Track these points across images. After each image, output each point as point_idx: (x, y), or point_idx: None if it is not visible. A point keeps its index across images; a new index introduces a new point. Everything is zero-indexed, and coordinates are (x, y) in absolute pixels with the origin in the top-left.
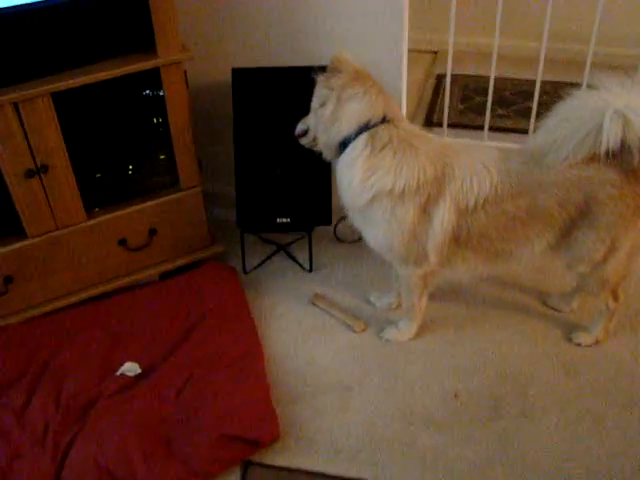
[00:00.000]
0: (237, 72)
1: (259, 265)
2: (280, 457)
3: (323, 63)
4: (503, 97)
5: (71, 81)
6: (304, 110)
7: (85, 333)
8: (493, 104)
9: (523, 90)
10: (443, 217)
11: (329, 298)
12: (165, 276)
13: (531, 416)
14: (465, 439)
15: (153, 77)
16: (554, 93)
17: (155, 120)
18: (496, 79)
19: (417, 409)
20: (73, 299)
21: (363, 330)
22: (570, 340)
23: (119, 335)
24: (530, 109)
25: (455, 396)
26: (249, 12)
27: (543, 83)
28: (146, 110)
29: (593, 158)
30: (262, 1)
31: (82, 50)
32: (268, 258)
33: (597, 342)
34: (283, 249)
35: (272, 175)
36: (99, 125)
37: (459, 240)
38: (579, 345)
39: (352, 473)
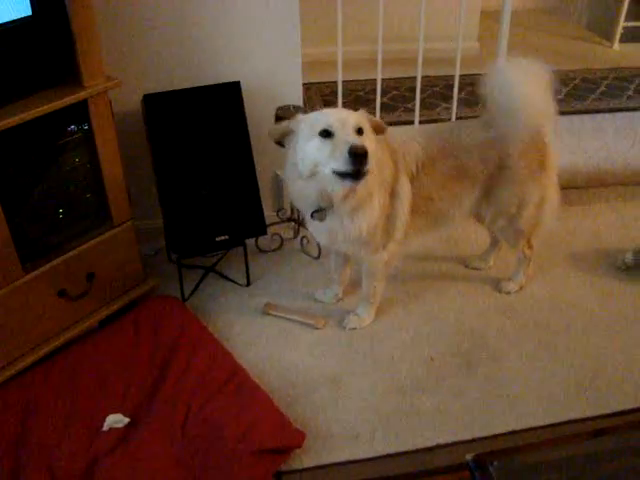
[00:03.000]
0: (148, 97)
1: (194, 291)
2: (307, 459)
3: (229, 80)
4: (359, 97)
5: None
6: (217, 128)
7: (47, 398)
8: (353, 104)
9: (373, 89)
10: (405, 190)
11: (280, 305)
12: (104, 322)
13: (499, 359)
14: (457, 392)
15: (78, 110)
16: (399, 87)
17: (83, 156)
18: (346, 82)
19: (404, 380)
20: (19, 366)
21: (324, 325)
22: (500, 290)
23: (87, 391)
24: (386, 104)
25: (431, 359)
26: (151, 38)
27: (386, 80)
28: (72, 146)
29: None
30: (162, 26)
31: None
32: (200, 282)
33: (521, 287)
34: (212, 270)
35: (199, 196)
36: (24, 169)
37: (413, 207)
38: (508, 293)
39: (378, 451)
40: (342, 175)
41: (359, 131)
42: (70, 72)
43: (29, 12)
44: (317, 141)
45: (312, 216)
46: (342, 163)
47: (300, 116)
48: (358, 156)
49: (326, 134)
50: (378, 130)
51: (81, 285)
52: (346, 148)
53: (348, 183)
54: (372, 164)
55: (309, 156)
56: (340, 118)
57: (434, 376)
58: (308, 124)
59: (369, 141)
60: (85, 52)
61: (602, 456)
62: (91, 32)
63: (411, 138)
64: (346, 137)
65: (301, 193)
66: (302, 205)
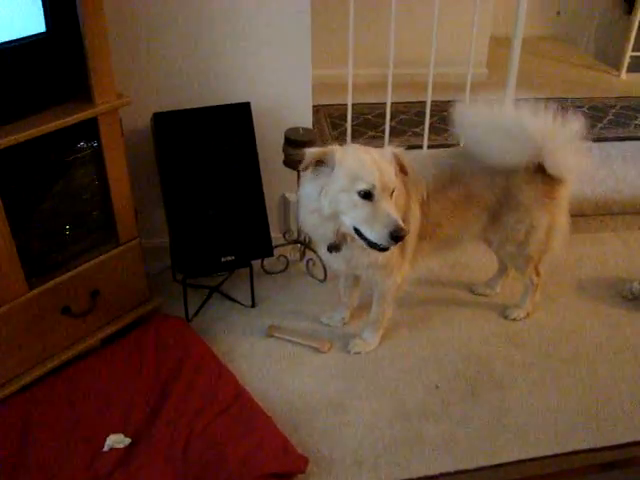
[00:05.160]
0: (158, 116)
1: (198, 311)
2: None
3: (239, 100)
4: (367, 120)
5: (5, 140)
6: (226, 148)
7: (49, 416)
8: (362, 127)
9: (382, 112)
10: (415, 216)
11: (285, 327)
12: (108, 340)
13: (504, 386)
14: (462, 420)
15: (88, 127)
16: (407, 112)
17: (91, 173)
18: (355, 105)
19: (409, 406)
20: (21, 383)
21: (329, 349)
22: (506, 317)
23: (88, 410)
24: (395, 128)
25: (436, 387)
26: (162, 57)
27: (395, 104)
28: (81, 163)
29: None
30: (174, 45)
31: (9, 105)
32: (205, 303)
33: (528, 315)
34: (217, 291)
35: (206, 216)
36: (31, 184)
37: (421, 232)
38: (514, 320)
39: (384, 479)
40: (369, 243)
41: (392, 192)
42: (81, 89)
43: (43, 29)
44: (354, 198)
45: (329, 249)
46: (380, 238)
47: (338, 150)
48: (399, 239)
49: (366, 195)
50: (402, 171)
51: (85, 302)
52: (390, 227)
53: (375, 252)
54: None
55: (340, 206)
56: (382, 180)
57: (439, 403)
58: (346, 170)
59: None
60: (97, 69)
61: None
62: (103, 50)
63: (422, 165)
64: (389, 211)
65: (315, 227)
66: (315, 237)
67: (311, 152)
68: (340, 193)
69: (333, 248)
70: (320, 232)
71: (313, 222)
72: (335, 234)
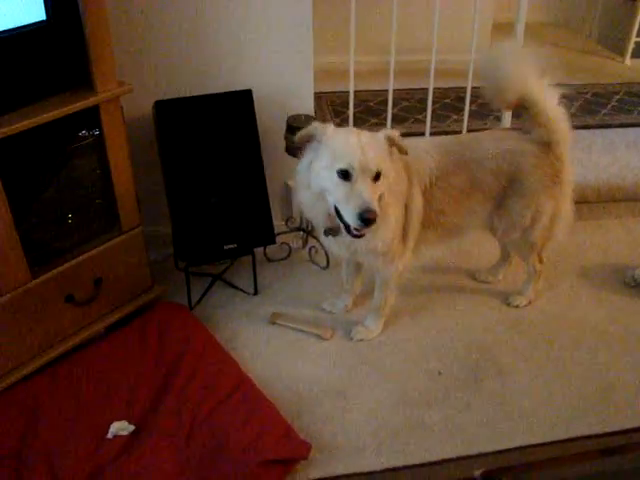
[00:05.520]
0: (160, 104)
1: (201, 299)
2: (313, 470)
3: (241, 88)
4: (369, 107)
5: (7, 128)
6: (228, 136)
7: (52, 403)
8: (364, 115)
9: (384, 99)
10: (417, 203)
11: (287, 314)
12: (111, 328)
13: (506, 373)
14: (464, 407)
15: (89, 115)
16: (410, 98)
17: (93, 161)
18: (357, 92)
19: (411, 393)
20: (25, 371)
21: (332, 336)
22: (509, 304)
23: (92, 397)
24: (397, 115)
25: (439, 373)
26: (164, 45)
27: (397, 91)
28: (83, 152)
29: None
30: (175, 32)
31: (10, 93)
32: (207, 290)
33: (530, 302)
34: (220, 278)
35: (208, 204)
36: (34, 173)
37: (424, 221)
38: (517, 307)
39: (384, 464)
40: (344, 224)
41: (377, 175)
42: (82, 77)
43: (43, 17)
44: (334, 177)
45: (325, 233)
46: (350, 218)
47: (330, 128)
48: (368, 221)
49: (344, 175)
50: (400, 152)
51: (89, 290)
52: (358, 208)
53: (349, 235)
54: (376, 226)
55: (322, 184)
56: (363, 161)
57: (441, 389)
58: (331, 148)
59: (385, 182)
60: (98, 57)
61: (612, 476)
62: (104, 37)
63: (424, 151)
64: (363, 191)
65: (311, 206)
66: (313, 219)
67: (307, 127)
68: (323, 170)
69: (330, 232)
70: (314, 213)
71: (307, 200)
72: (327, 217)
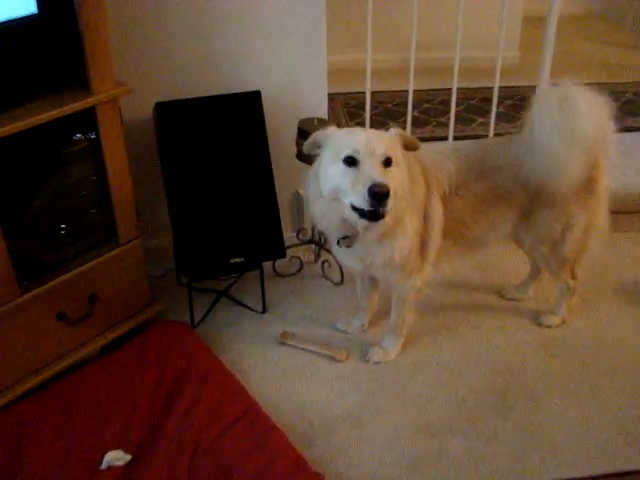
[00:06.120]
0: (161, 106)
1: (205, 317)
2: None
3: (248, 89)
4: (387, 110)
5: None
6: (235, 141)
7: (44, 429)
8: (381, 117)
9: (403, 101)
10: (437, 211)
11: (298, 334)
12: (107, 348)
13: (538, 400)
14: (491, 437)
15: (85, 117)
16: (432, 100)
17: (88, 167)
18: (374, 93)
19: (433, 420)
20: (14, 393)
21: (346, 358)
22: (540, 324)
23: (85, 424)
24: (418, 118)
25: (463, 399)
26: (165, 43)
27: (418, 92)
28: (77, 156)
29: None
30: (177, 30)
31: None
32: (211, 308)
33: (563, 322)
34: (225, 295)
35: (212, 214)
36: (24, 179)
37: (445, 231)
38: (549, 327)
39: None
40: (359, 212)
41: (387, 161)
42: (78, 76)
43: (35, 9)
44: (340, 167)
45: (338, 242)
46: (361, 200)
47: (330, 129)
48: (379, 196)
49: (351, 161)
50: (411, 147)
51: (82, 308)
52: (367, 185)
53: (364, 222)
54: (392, 204)
55: (331, 180)
56: (368, 145)
57: (466, 417)
58: (335, 143)
59: (397, 172)
60: (94, 54)
61: None
62: (101, 32)
63: (444, 157)
64: (371, 171)
65: (323, 214)
66: (326, 228)
67: (310, 136)
68: (329, 166)
69: (344, 241)
70: (327, 220)
71: (319, 209)
72: (342, 224)
